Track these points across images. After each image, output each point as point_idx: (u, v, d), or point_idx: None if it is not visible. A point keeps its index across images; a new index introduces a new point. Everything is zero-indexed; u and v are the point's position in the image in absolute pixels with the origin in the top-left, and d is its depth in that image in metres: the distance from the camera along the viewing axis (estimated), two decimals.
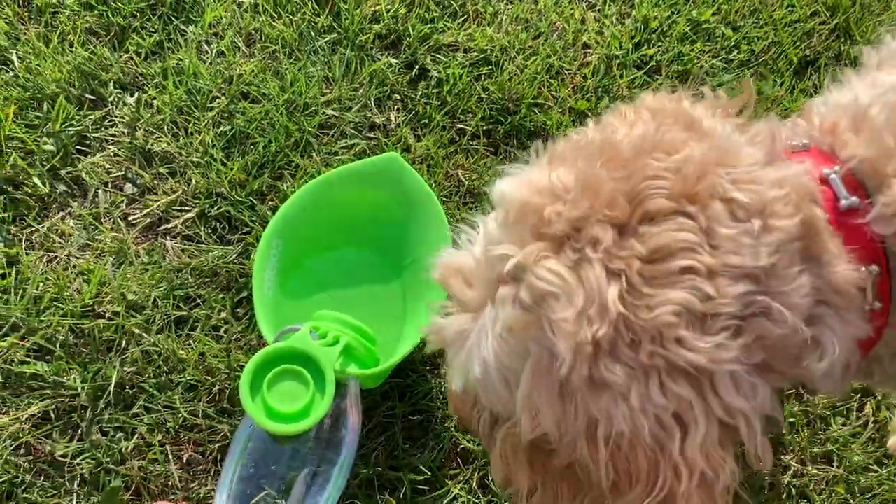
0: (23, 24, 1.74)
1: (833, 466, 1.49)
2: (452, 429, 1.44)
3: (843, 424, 1.53)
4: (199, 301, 1.51)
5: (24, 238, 1.54)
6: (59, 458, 1.36)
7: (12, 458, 1.35)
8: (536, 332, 0.76)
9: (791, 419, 1.51)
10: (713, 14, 1.91)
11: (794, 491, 1.47)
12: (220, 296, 1.51)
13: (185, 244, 1.56)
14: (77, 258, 1.53)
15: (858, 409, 1.54)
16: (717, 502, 0.79)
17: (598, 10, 1.91)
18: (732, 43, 1.89)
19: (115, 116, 1.67)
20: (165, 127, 1.66)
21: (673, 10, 1.92)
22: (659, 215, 0.75)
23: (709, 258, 0.73)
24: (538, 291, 0.75)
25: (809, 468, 1.48)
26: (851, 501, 1.47)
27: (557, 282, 0.75)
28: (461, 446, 1.44)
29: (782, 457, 1.49)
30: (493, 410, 0.90)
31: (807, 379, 0.82)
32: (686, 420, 0.75)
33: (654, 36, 1.88)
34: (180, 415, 1.41)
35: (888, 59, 1.00)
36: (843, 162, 0.86)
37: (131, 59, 1.73)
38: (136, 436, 1.39)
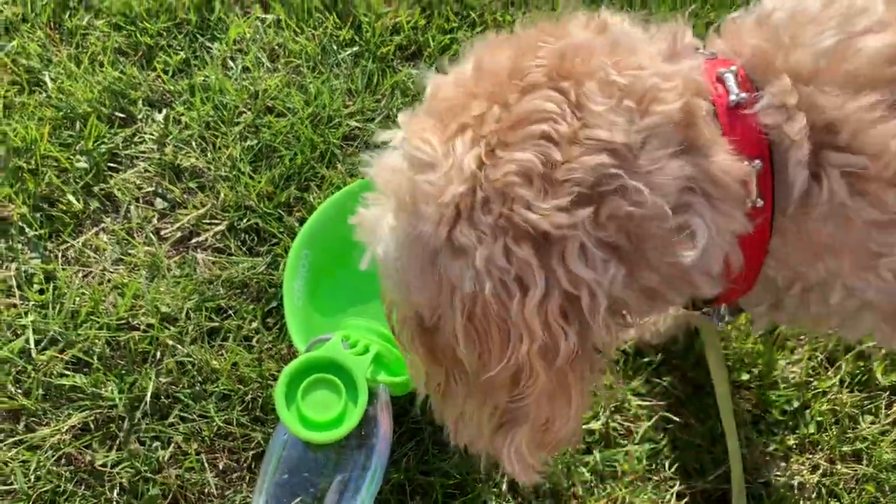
0: (54, 46, 1.79)
1: (863, 465, 1.49)
2: None
3: (872, 423, 1.53)
4: (230, 312, 1.55)
5: (60, 254, 1.58)
6: (99, 468, 1.40)
7: (54, 469, 1.39)
8: (412, 202, 0.80)
9: (819, 418, 1.52)
10: None
11: (823, 490, 1.47)
12: (251, 306, 1.55)
13: (215, 257, 1.60)
14: (111, 272, 1.57)
15: (887, 407, 1.54)
16: (565, 377, 0.82)
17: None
18: None
19: (145, 133, 1.71)
20: (193, 142, 1.70)
21: (693, 14, 1.93)
22: (533, 89, 0.78)
23: (566, 127, 0.76)
24: (413, 161, 0.81)
25: (839, 467, 1.49)
26: (882, 500, 1.47)
27: (429, 150, 0.79)
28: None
29: (811, 455, 1.49)
30: (395, 298, 0.92)
31: (683, 275, 0.82)
32: (527, 283, 0.76)
33: None
34: (215, 423, 1.44)
35: None
36: (735, 62, 0.87)
37: (159, 77, 1.78)
38: (173, 445, 1.43)
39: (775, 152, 0.84)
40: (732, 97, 0.83)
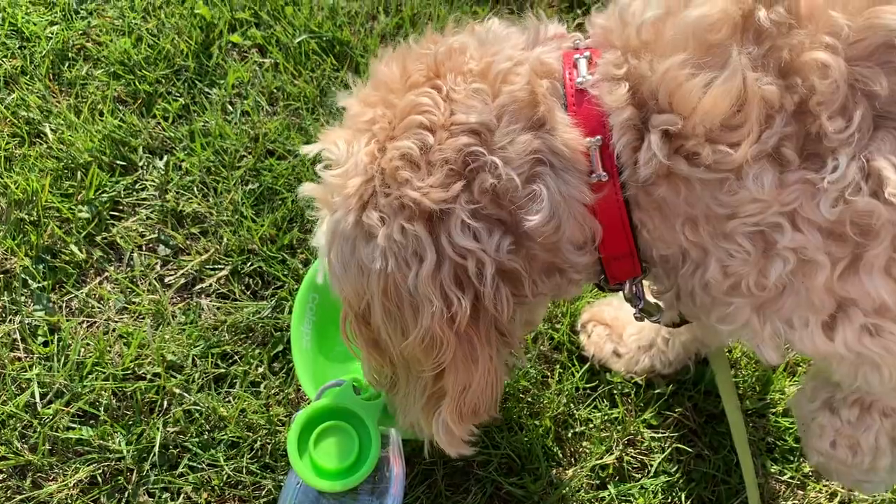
0: (54, 97, 1.80)
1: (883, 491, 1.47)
2: (494, 472, 1.44)
3: None
4: (236, 357, 1.53)
5: (63, 305, 1.58)
6: None
7: None
8: (327, 201, 0.94)
9: None
10: None
11: None
12: (257, 351, 1.54)
13: (219, 302, 1.59)
14: (116, 322, 1.56)
15: None
16: (471, 342, 0.92)
17: None
18: None
19: (146, 180, 1.71)
20: (195, 188, 1.70)
21: None
22: (413, 88, 0.91)
23: (439, 116, 0.89)
24: (325, 164, 0.96)
25: (857, 493, 1.47)
26: None
27: (336, 151, 0.94)
28: (503, 490, 1.44)
29: (828, 483, 1.48)
30: (338, 299, 1.01)
31: (554, 245, 0.91)
32: (421, 255, 0.88)
33: None
34: (224, 472, 1.42)
35: None
36: (594, 50, 0.94)
37: (159, 124, 1.78)
38: (182, 495, 1.41)
39: (616, 130, 0.89)
40: (578, 79, 0.91)
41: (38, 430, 1.43)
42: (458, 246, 0.88)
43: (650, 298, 1.07)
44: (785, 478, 1.48)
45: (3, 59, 1.83)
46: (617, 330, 1.53)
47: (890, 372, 0.90)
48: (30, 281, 1.58)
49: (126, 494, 1.40)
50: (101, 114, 1.77)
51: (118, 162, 1.72)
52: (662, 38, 0.86)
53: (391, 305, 0.92)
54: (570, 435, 1.49)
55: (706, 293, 0.93)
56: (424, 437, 1.08)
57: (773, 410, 1.53)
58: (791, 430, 1.51)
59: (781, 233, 0.83)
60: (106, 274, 1.62)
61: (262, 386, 1.50)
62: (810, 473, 1.49)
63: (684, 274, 0.94)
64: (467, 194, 0.88)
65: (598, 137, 0.89)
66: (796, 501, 1.47)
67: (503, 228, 0.90)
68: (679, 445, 1.49)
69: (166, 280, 1.62)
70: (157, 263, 1.63)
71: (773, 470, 1.49)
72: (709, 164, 0.83)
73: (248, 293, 1.61)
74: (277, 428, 1.46)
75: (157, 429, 1.44)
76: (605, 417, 1.50)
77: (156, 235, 1.66)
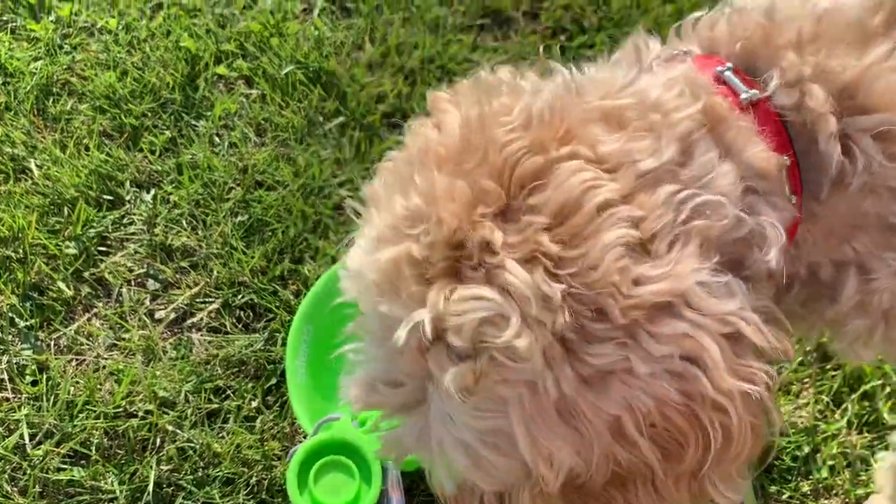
0: (39, 133, 1.79)
1: None
2: None
3: None
4: (229, 392, 1.52)
5: (52, 343, 1.55)
6: None
7: None
8: (495, 373, 0.65)
9: (831, 462, 1.50)
10: None
11: None
12: (250, 385, 1.52)
13: (211, 336, 1.57)
14: (106, 359, 1.54)
15: None
16: (767, 412, 0.72)
17: None
18: None
19: (134, 215, 1.70)
20: (184, 221, 1.69)
21: None
22: (537, 177, 0.66)
23: (614, 183, 0.66)
24: (468, 330, 0.64)
25: None
26: None
27: (480, 307, 0.64)
28: None
29: (826, 501, 1.48)
30: (498, 488, 0.77)
31: (762, 270, 0.74)
32: (695, 354, 0.66)
33: None
34: None
35: None
36: (727, 58, 0.82)
37: (146, 157, 1.77)
38: None
39: (798, 139, 0.78)
40: (744, 95, 0.77)
41: (28, 472, 1.40)
42: (719, 316, 0.67)
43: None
44: (784, 497, 1.48)
45: None
46: None
47: None
48: (17, 319, 1.56)
49: None
50: (87, 148, 1.76)
51: (105, 196, 1.71)
52: (841, 24, 0.76)
53: (661, 439, 0.69)
54: None
55: (843, 304, 0.85)
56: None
57: (770, 430, 1.53)
58: (787, 450, 1.51)
59: None
60: (94, 310, 1.60)
61: (257, 420, 1.48)
62: (808, 493, 1.49)
63: (820, 286, 0.85)
64: (699, 253, 0.68)
65: (787, 158, 0.76)
66: None
67: (738, 270, 0.72)
68: None
69: (156, 315, 1.60)
70: (146, 298, 1.61)
71: (771, 490, 1.49)
72: None
73: (240, 326, 1.59)
74: (273, 463, 1.44)
75: (151, 467, 1.42)
76: None
77: (144, 270, 1.64)
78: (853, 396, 1.57)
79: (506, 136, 0.67)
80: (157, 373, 1.51)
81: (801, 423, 1.54)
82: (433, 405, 0.70)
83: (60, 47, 1.90)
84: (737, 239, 0.72)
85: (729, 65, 0.80)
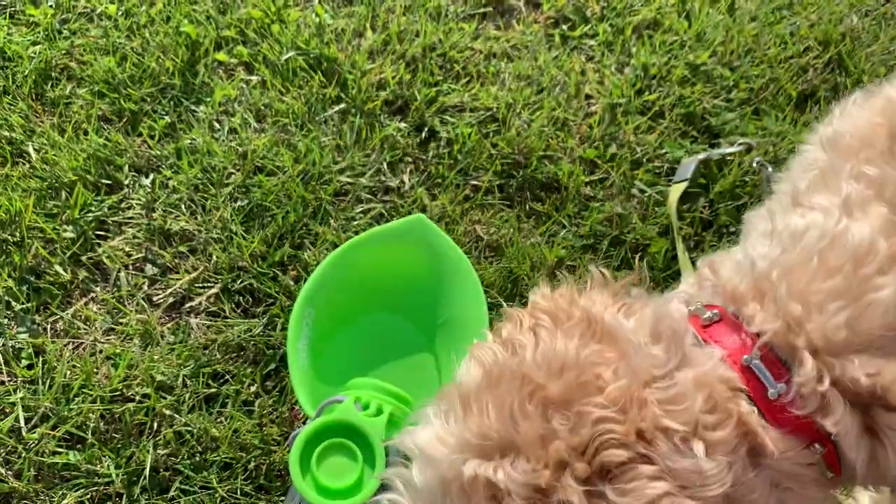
0: (37, 117, 1.77)
1: None
2: None
3: None
4: (227, 377, 1.50)
5: (48, 327, 1.53)
6: None
7: None
8: None
9: None
10: (710, 56, 1.96)
11: None
12: (249, 370, 1.50)
13: (209, 321, 1.56)
14: (103, 343, 1.52)
15: None
16: None
17: (597, 62, 1.95)
18: (731, 83, 1.93)
19: (132, 199, 1.68)
20: (183, 206, 1.67)
21: (670, 55, 1.96)
22: (620, 466, 0.73)
23: (689, 500, 0.73)
24: None
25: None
26: None
27: None
28: None
29: None
30: None
31: None
32: None
33: (654, 82, 1.92)
34: (218, 495, 1.38)
35: (809, 189, 0.97)
36: (754, 339, 0.85)
37: (145, 142, 1.76)
38: None
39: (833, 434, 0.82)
40: (772, 391, 0.82)
41: (23, 455, 1.38)
42: None
43: None
44: None
45: None
46: None
47: None
48: (13, 303, 1.54)
49: None
50: (86, 133, 1.74)
51: (103, 181, 1.69)
52: (864, 330, 0.81)
53: None
54: None
55: None
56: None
57: None
58: None
59: None
60: (92, 294, 1.58)
61: (256, 405, 1.46)
62: None
63: None
64: None
65: (819, 447, 0.82)
66: None
67: None
68: None
69: (154, 299, 1.58)
70: (144, 283, 1.59)
71: None
72: None
73: (239, 311, 1.57)
74: (272, 448, 1.42)
75: (147, 451, 1.40)
76: None
77: (143, 254, 1.63)
78: None
79: (599, 415, 0.74)
80: (155, 357, 1.49)
81: None
82: None
83: (59, 32, 1.89)
84: None
85: (755, 352, 0.84)
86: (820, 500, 0.83)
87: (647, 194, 1.74)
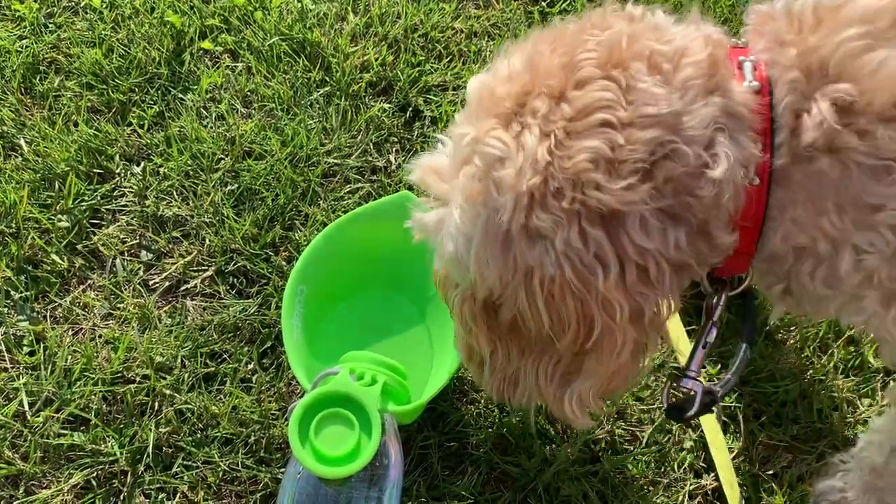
0: (27, 110, 1.80)
1: None
2: (489, 452, 1.46)
3: (870, 405, 1.55)
4: (225, 356, 1.54)
5: (48, 314, 1.57)
6: None
7: None
8: (486, 195, 0.88)
9: (818, 406, 1.53)
10: None
11: None
12: (246, 348, 1.54)
13: (205, 302, 1.59)
14: (102, 328, 1.56)
15: (882, 388, 1.57)
16: (647, 332, 0.92)
17: None
18: None
19: (124, 187, 1.71)
20: (174, 192, 1.70)
21: None
22: (588, 81, 0.86)
23: (623, 112, 0.84)
24: (487, 158, 0.88)
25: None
26: None
27: (502, 146, 0.87)
28: (499, 469, 1.45)
29: (815, 444, 1.51)
30: (460, 282, 1.00)
31: (702, 204, 0.88)
32: (605, 261, 0.85)
33: None
34: (220, 469, 1.42)
35: None
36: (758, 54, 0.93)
37: (134, 131, 1.79)
38: (179, 495, 1.40)
39: (774, 81, 0.89)
40: (751, 57, 0.91)
41: (29, 438, 1.42)
42: (640, 248, 0.85)
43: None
44: (773, 442, 1.51)
45: None
46: None
47: None
48: (12, 292, 1.58)
49: (122, 497, 1.40)
50: (76, 124, 1.77)
51: (95, 170, 1.72)
52: (837, 16, 0.86)
53: (554, 303, 0.88)
54: None
55: (831, 287, 0.93)
56: (529, 410, 1.14)
57: (758, 377, 1.56)
58: (775, 396, 1.54)
59: None
60: (89, 281, 1.61)
61: (253, 381, 1.50)
62: (798, 435, 1.52)
63: (803, 270, 0.94)
64: (652, 190, 0.84)
65: (757, 84, 0.89)
66: (785, 464, 1.49)
67: (678, 221, 0.87)
68: None
69: (150, 284, 1.61)
70: (140, 268, 1.63)
71: (761, 436, 1.51)
72: (877, 146, 0.83)
73: (234, 292, 1.61)
74: (271, 422, 1.46)
75: (150, 430, 1.44)
76: None
77: (137, 241, 1.66)
78: (839, 342, 1.60)
79: (588, 47, 0.88)
80: (154, 339, 1.53)
81: (788, 368, 1.57)
82: (451, 203, 0.93)
83: (45, 26, 1.91)
84: (692, 173, 0.86)
85: (752, 57, 0.92)
86: (745, 153, 0.87)
87: None
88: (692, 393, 1.08)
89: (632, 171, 0.83)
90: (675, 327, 1.52)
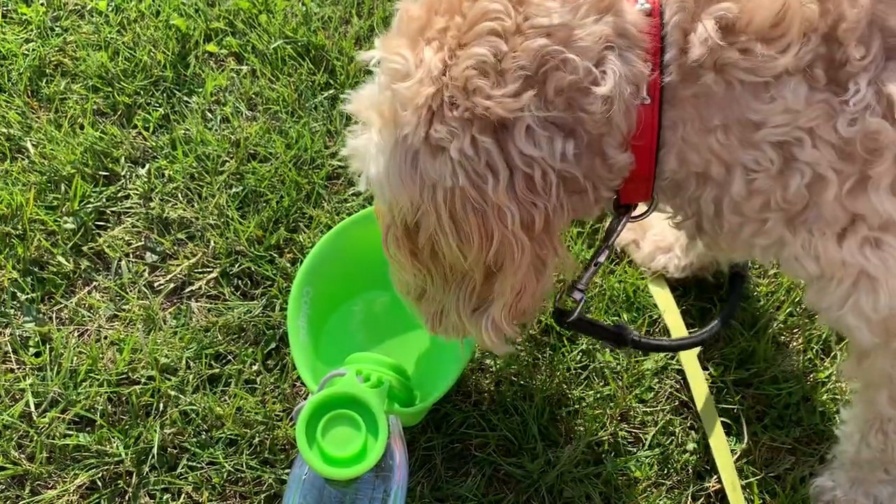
0: (33, 113, 1.81)
1: None
2: (492, 454, 1.46)
3: None
4: (229, 357, 1.54)
5: (54, 315, 1.58)
6: None
7: None
8: (394, 112, 0.92)
9: (821, 408, 1.54)
10: None
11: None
12: (250, 350, 1.55)
13: (210, 304, 1.60)
14: (107, 329, 1.56)
15: None
16: (542, 245, 0.95)
17: None
18: None
19: (130, 189, 1.72)
20: (179, 194, 1.71)
21: None
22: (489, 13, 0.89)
23: (510, 21, 0.88)
24: (392, 75, 0.93)
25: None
26: None
27: (402, 62, 0.91)
28: (503, 471, 1.46)
29: (818, 446, 1.51)
30: (383, 208, 1.03)
31: (598, 139, 0.92)
32: (495, 168, 0.89)
33: None
34: (224, 470, 1.43)
35: None
36: None
37: (140, 133, 1.80)
38: (183, 495, 1.41)
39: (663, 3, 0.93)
40: (637, 6, 0.94)
41: (35, 438, 1.43)
42: (526, 156, 0.89)
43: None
44: (776, 444, 1.51)
45: None
46: (643, 225, 1.59)
47: (884, 296, 0.93)
48: (18, 294, 1.59)
49: (127, 497, 1.40)
50: (82, 127, 1.78)
51: (101, 173, 1.73)
52: None
53: (457, 216, 0.92)
54: (564, 414, 1.51)
55: (735, 213, 0.97)
56: (466, 339, 1.17)
57: (761, 379, 1.57)
58: (778, 398, 1.54)
59: (801, 147, 0.88)
60: (94, 283, 1.62)
61: (258, 383, 1.51)
62: (800, 438, 1.52)
63: (706, 197, 0.98)
64: (538, 100, 0.88)
65: (648, 6, 0.92)
66: (788, 466, 1.49)
67: (568, 133, 0.91)
68: (671, 417, 1.52)
69: (155, 286, 1.62)
70: (145, 270, 1.64)
71: (764, 438, 1.52)
72: (757, 64, 0.87)
73: (238, 294, 1.62)
74: (275, 423, 1.46)
75: (155, 431, 1.44)
76: (598, 395, 1.53)
77: (142, 243, 1.67)
78: (841, 345, 1.60)
79: None
80: (159, 341, 1.54)
81: (791, 371, 1.57)
82: (373, 126, 0.98)
83: (52, 29, 1.93)
84: (582, 88, 0.89)
85: None
86: (635, 70, 0.91)
87: None
88: (576, 303, 1.19)
89: (516, 79, 0.87)
90: (665, 299, 1.58)
